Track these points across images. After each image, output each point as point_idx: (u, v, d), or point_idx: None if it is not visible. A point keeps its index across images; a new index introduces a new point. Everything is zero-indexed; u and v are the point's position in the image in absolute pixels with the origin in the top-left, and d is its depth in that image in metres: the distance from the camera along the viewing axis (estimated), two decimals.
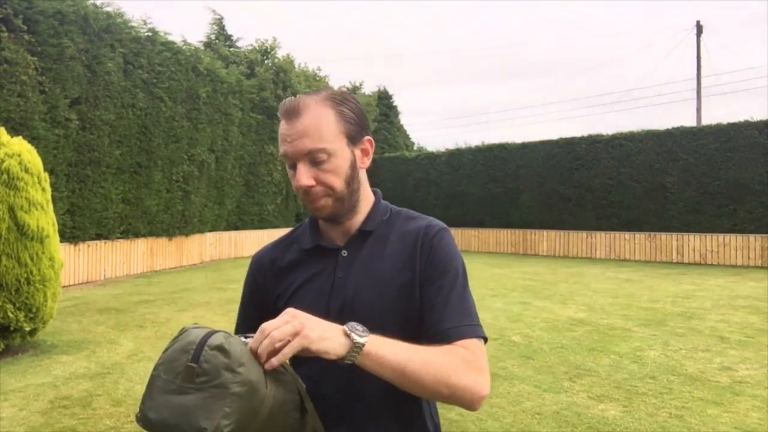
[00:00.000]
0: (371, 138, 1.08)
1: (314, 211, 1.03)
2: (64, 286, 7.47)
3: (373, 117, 19.99)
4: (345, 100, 1.03)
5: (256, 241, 15.42)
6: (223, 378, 0.78)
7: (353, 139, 1.03)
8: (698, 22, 22.77)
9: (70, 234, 9.49)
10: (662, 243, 13.35)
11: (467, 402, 0.89)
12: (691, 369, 4.49)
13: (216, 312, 7.05)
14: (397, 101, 23.37)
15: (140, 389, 4.11)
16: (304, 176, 0.98)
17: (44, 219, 5.03)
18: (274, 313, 0.92)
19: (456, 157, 17.26)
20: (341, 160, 1.00)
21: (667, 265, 12.63)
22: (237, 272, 11.51)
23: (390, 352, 0.85)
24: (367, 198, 1.09)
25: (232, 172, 14.14)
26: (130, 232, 10.94)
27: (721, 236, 12.54)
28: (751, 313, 6.70)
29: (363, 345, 0.83)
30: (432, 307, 0.98)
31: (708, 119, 23.08)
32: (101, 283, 10.00)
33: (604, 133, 14.60)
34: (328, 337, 0.82)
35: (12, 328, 4.82)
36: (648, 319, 6.46)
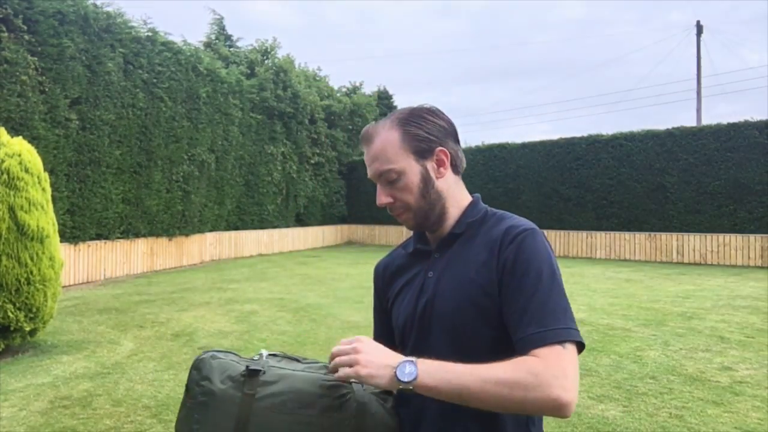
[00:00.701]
0: (445, 148, 1.11)
1: (404, 223, 1.14)
2: (64, 286, 7.47)
3: (373, 117, 19.98)
4: (411, 119, 1.10)
5: (256, 241, 15.42)
6: (194, 392, 0.99)
7: (422, 154, 1.09)
8: (698, 22, 22.81)
9: (70, 234, 9.49)
10: (662, 243, 13.35)
11: (547, 412, 0.88)
12: (691, 369, 4.49)
13: (216, 312, 7.05)
14: (397, 101, 23.33)
15: (140, 389, 4.11)
16: (382, 195, 1.11)
17: (44, 219, 5.03)
18: (388, 314, 1.19)
19: None
20: (411, 177, 1.08)
21: (667, 265, 12.63)
22: (237, 272, 11.51)
23: (443, 382, 0.89)
24: (458, 204, 1.14)
25: (232, 172, 14.14)
26: (130, 232, 10.94)
27: (721, 236, 12.54)
28: (751, 313, 6.70)
29: (410, 384, 0.90)
30: (513, 313, 0.97)
31: (708, 119, 23.12)
32: (101, 283, 10.00)
33: (604, 133, 14.62)
34: (377, 375, 0.92)
35: (12, 328, 4.82)
36: (648, 319, 6.46)
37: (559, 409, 0.86)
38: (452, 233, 1.12)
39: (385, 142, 1.09)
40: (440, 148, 1.11)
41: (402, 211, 1.11)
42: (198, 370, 1.00)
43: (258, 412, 0.96)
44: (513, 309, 0.97)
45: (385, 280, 1.23)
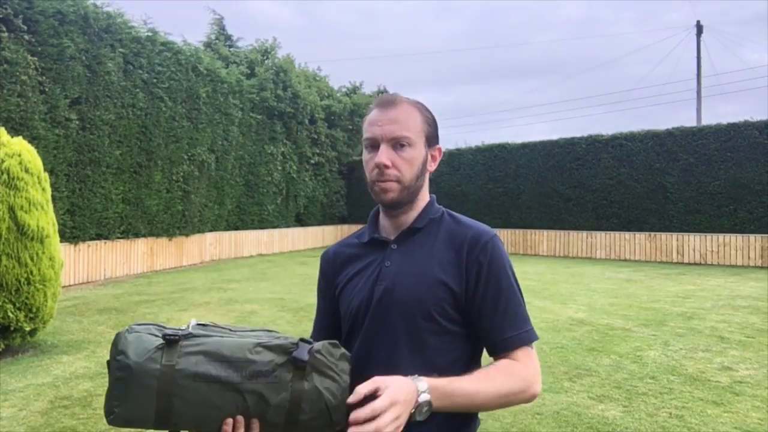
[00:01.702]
0: (441, 148, 1.23)
1: (381, 192, 1.13)
2: (64, 286, 7.46)
3: None
4: (426, 111, 1.19)
5: (256, 241, 15.42)
6: (112, 367, 0.94)
7: (430, 141, 1.18)
8: (698, 22, 22.82)
9: (70, 234, 9.48)
10: (662, 243, 13.35)
11: (523, 403, 1.08)
12: (691, 369, 4.49)
13: (216, 312, 7.05)
14: None
15: None
16: (384, 155, 1.10)
17: (44, 219, 5.03)
18: (334, 300, 1.23)
19: (456, 157, 17.25)
20: (417, 153, 1.14)
21: (667, 265, 12.63)
22: (237, 272, 11.50)
23: (454, 406, 0.99)
24: (423, 198, 1.21)
25: (232, 172, 14.14)
26: (130, 232, 10.93)
27: (721, 236, 12.54)
28: (751, 313, 6.70)
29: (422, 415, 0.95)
30: (488, 315, 1.10)
31: (708, 119, 23.13)
32: (101, 283, 10.00)
33: (604, 133, 14.61)
34: (404, 417, 0.91)
35: (12, 328, 4.82)
36: (648, 319, 6.46)
37: (531, 399, 1.08)
38: (413, 227, 1.17)
39: (411, 113, 1.14)
40: (438, 146, 1.21)
41: (392, 179, 1.11)
42: (115, 345, 0.95)
43: (181, 383, 0.92)
44: (489, 311, 1.10)
45: (335, 267, 1.26)
